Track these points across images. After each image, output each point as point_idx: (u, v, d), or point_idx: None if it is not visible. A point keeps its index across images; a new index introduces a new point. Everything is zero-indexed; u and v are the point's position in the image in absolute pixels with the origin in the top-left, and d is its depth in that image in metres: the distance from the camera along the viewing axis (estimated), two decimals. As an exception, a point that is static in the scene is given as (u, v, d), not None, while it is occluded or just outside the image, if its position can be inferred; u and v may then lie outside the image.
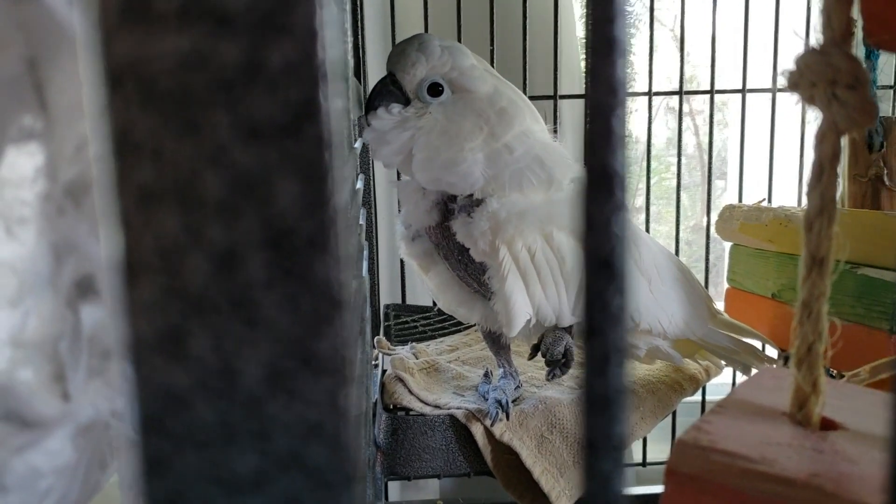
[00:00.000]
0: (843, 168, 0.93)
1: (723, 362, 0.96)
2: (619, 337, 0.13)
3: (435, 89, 0.74)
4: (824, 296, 0.35)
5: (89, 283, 0.30)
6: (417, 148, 0.74)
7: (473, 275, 0.80)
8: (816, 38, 0.33)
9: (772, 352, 1.10)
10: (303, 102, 0.12)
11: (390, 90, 0.75)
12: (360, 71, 0.94)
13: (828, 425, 0.35)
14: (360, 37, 1.00)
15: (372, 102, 0.76)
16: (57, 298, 0.27)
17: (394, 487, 1.24)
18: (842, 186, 0.94)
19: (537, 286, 0.74)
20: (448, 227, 0.78)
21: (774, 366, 0.98)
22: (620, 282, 0.13)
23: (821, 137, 0.34)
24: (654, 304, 0.81)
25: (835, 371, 0.88)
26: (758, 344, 0.95)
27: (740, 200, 1.12)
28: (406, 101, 0.75)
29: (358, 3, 0.96)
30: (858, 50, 0.83)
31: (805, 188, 0.35)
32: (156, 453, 0.12)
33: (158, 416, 0.12)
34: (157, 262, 0.12)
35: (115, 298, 0.12)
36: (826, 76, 0.32)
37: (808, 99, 0.34)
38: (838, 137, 0.34)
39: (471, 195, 0.76)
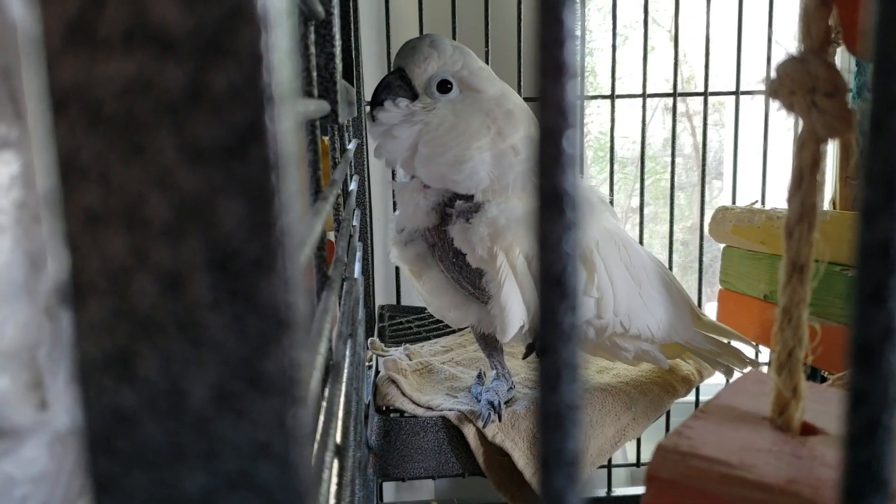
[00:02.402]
0: (834, 170, 0.93)
1: (711, 367, 0.97)
2: (572, 354, 0.13)
3: (444, 86, 0.74)
4: (805, 302, 0.35)
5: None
6: (423, 143, 0.74)
7: (468, 278, 0.80)
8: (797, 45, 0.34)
9: (763, 354, 1.10)
10: (248, 125, 0.12)
11: (399, 84, 0.75)
12: (353, 72, 0.94)
13: (808, 430, 0.36)
14: (354, 38, 1.00)
15: (378, 96, 0.75)
16: (34, 306, 0.27)
17: (389, 488, 1.25)
18: (833, 188, 0.94)
19: (533, 293, 0.74)
20: (445, 231, 0.78)
21: (765, 369, 0.98)
22: (572, 300, 0.13)
23: (801, 145, 0.34)
24: (643, 310, 0.81)
25: (826, 372, 0.88)
26: (746, 345, 0.96)
27: (734, 202, 1.12)
28: (413, 97, 0.75)
29: (352, 4, 0.96)
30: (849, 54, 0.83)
31: (786, 195, 0.35)
32: (105, 473, 0.13)
33: (107, 436, 0.13)
34: (105, 284, 0.12)
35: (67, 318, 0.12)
36: (805, 84, 0.33)
37: (789, 106, 0.34)
38: (818, 145, 0.34)
39: (471, 198, 0.76)
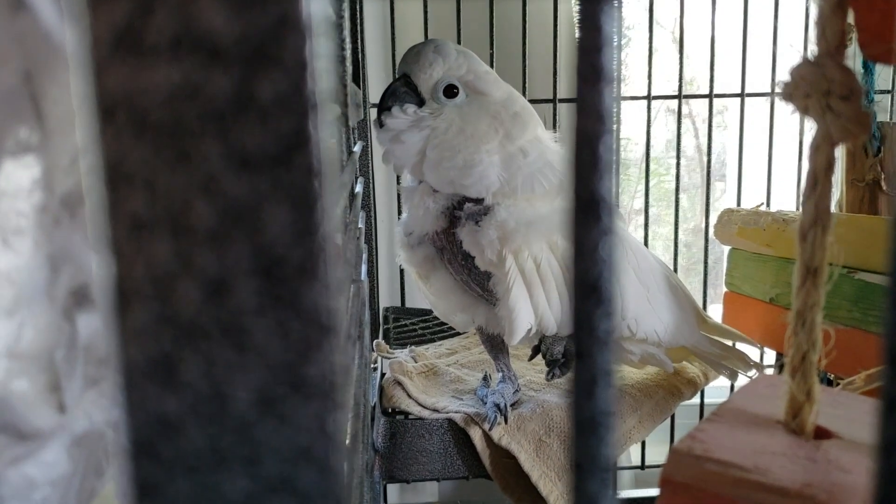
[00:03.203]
0: (840, 173, 0.93)
1: (716, 371, 0.97)
2: (607, 360, 0.13)
3: (450, 91, 0.74)
4: (818, 305, 0.35)
5: (85, 292, 0.30)
6: (431, 148, 0.74)
7: (477, 280, 0.80)
8: (812, 48, 0.34)
9: (769, 356, 1.10)
10: (293, 133, 0.12)
11: (405, 90, 0.75)
12: (359, 76, 0.94)
13: (822, 434, 0.36)
14: (359, 42, 1.00)
15: (385, 102, 0.75)
16: (53, 309, 0.27)
17: (393, 490, 1.25)
18: (840, 191, 0.94)
19: (541, 296, 0.74)
20: (454, 234, 0.77)
21: (770, 371, 0.99)
22: (608, 306, 0.13)
23: (815, 148, 0.34)
24: (650, 313, 0.81)
25: (832, 375, 0.88)
26: (752, 348, 0.96)
27: (739, 204, 1.12)
28: (420, 103, 0.75)
29: (357, 8, 0.96)
30: (857, 55, 0.83)
31: (801, 195, 0.36)
32: (147, 478, 0.13)
33: (150, 441, 0.13)
34: (149, 290, 0.12)
35: (108, 324, 0.12)
36: (820, 87, 0.33)
37: (803, 109, 0.34)
38: (832, 148, 0.34)
39: (480, 201, 0.76)
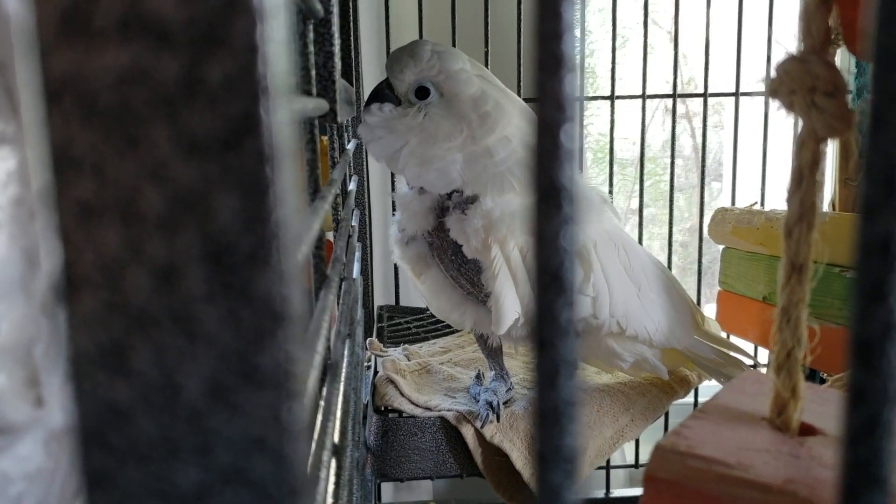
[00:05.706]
0: (833, 172, 0.93)
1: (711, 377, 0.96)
2: (569, 350, 0.13)
3: (422, 92, 0.77)
4: (803, 302, 0.35)
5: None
6: (401, 146, 0.77)
7: (466, 275, 0.81)
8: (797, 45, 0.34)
9: (762, 356, 1.09)
10: (243, 117, 0.12)
11: (385, 93, 0.79)
12: (353, 73, 0.94)
13: (806, 430, 0.36)
14: (354, 38, 1.00)
15: (368, 101, 0.80)
16: (30, 303, 0.27)
17: (387, 488, 1.25)
18: (833, 190, 0.94)
19: (527, 286, 0.75)
20: (442, 223, 0.79)
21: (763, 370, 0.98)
22: (570, 295, 0.13)
23: (800, 144, 0.34)
24: (641, 311, 0.82)
25: (824, 374, 0.88)
26: (748, 359, 0.95)
27: (733, 203, 1.12)
28: (399, 103, 0.78)
29: (351, 4, 0.96)
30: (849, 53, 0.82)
31: (786, 195, 0.35)
32: (98, 467, 0.12)
33: (100, 430, 0.12)
34: (98, 278, 0.12)
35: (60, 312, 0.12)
36: (805, 84, 0.33)
37: (788, 106, 0.34)
38: (818, 144, 0.34)
39: (461, 192, 0.78)
